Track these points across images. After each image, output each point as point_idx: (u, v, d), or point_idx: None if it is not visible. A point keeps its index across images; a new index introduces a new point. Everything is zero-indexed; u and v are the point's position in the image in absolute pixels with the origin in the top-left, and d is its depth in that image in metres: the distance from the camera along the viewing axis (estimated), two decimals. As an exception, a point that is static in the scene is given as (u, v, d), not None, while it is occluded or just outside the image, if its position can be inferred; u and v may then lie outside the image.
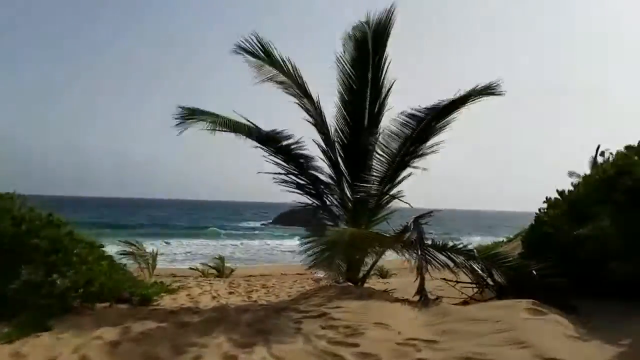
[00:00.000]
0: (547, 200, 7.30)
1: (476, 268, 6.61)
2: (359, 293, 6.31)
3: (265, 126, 7.97)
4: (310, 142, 8.08)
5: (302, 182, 8.09)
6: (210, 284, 9.71)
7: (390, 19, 7.58)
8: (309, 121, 8.10)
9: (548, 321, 4.43)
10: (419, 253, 6.39)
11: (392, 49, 7.79)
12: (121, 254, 11.96)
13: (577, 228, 5.90)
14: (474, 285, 6.92)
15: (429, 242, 6.90)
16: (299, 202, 8.14)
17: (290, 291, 9.24)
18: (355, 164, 7.98)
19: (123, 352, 4.11)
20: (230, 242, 41.67)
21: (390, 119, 7.86)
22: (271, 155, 7.95)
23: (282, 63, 7.66)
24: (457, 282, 7.05)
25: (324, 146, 8.10)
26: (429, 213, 7.03)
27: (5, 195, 6.10)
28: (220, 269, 15.35)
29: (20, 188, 6.50)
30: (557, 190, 7.26)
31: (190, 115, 7.44)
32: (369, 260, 7.81)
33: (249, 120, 7.85)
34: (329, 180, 8.15)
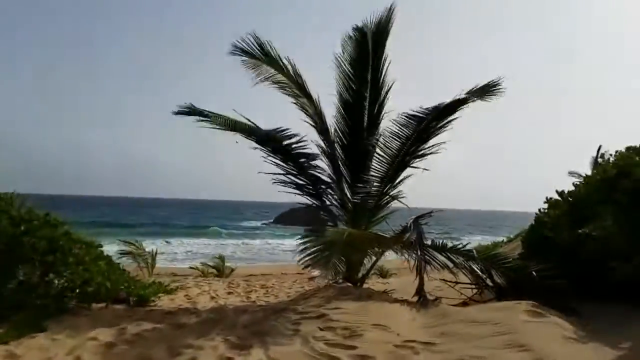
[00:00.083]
0: (548, 200, 7.25)
1: (475, 269, 6.57)
2: (358, 294, 6.27)
3: (266, 126, 7.97)
4: (310, 142, 8.05)
5: (301, 182, 8.05)
6: (209, 284, 9.67)
7: (390, 19, 7.57)
8: (307, 122, 8.06)
9: (548, 324, 4.39)
10: (418, 254, 6.36)
11: (393, 48, 7.80)
12: (120, 254, 11.98)
13: (578, 228, 5.86)
14: (474, 286, 6.87)
15: (429, 242, 6.87)
16: (298, 203, 8.13)
17: (290, 291, 9.20)
18: (355, 164, 7.94)
19: (117, 353, 4.08)
20: (231, 242, 41.64)
21: (391, 120, 7.82)
22: (270, 155, 7.91)
23: (280, 63, 7.62)
24: (457, 282, 7.00)
25: (323, 146, 8.07)
26: (429, 213, 7.00)
27: (4, 195, 6.06)
28: (220, 269, 15.31)
29: (22, 187, 6.47)
30: (557, 191, 7.21)
31: (191, 113, 7.47)
32: (368, 261, 7.77)
33: (249, 120, 7.84)
34: (329, 181, 8.11)
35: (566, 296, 5.44)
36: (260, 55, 7.51)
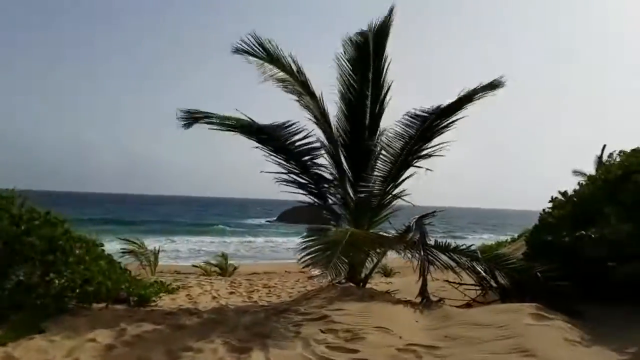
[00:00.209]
0: (553, 200, 7.18)
1: (479, 269, 6.51)
2: (361, 294, 6.21)
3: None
4: (313, 138, 8.00)
5: (303, 181, 8.00)
6: (211, 283, 9.62)
7: (390, 19, 7.56)
8: (311, 119, 8.00)
9: (552, 327, 4.32)
10: (421, 254, 6.30)
11: (393, 48, 7.78)
12: (122, 252, 11.97)
13: (582, 229, 5.79)
14: (477, 287, 6.80)
15: (432, 242, 6.81)
16: (301, 201, 8.08)
17: (292, 291, 9.14)
18: (358, 163, 7.89)
19: (116, 356, 4.04)
20: (235, 239, 41.70)
21: (394, 119, 7.80)
22: (272, 154, 7.86)
23: (283, 60, 7.57)
24: (460, 283, 6.94)
25: (326, 145, 8.01)
26: (432, 213, 6.96)
27: (4, 193, 6.01)
28: (223, 267, 15.26)
29: (23, 184, 6.43)
30: (559, 192, 7.15)
31: (194, 114, 7.43)
32: (370, 261, 7.71)
33: (250, 119, 7.78)
34: (332, 179, 8.06)
35: (570, 298, 5.37)
36: (262, 54, 7.45)
